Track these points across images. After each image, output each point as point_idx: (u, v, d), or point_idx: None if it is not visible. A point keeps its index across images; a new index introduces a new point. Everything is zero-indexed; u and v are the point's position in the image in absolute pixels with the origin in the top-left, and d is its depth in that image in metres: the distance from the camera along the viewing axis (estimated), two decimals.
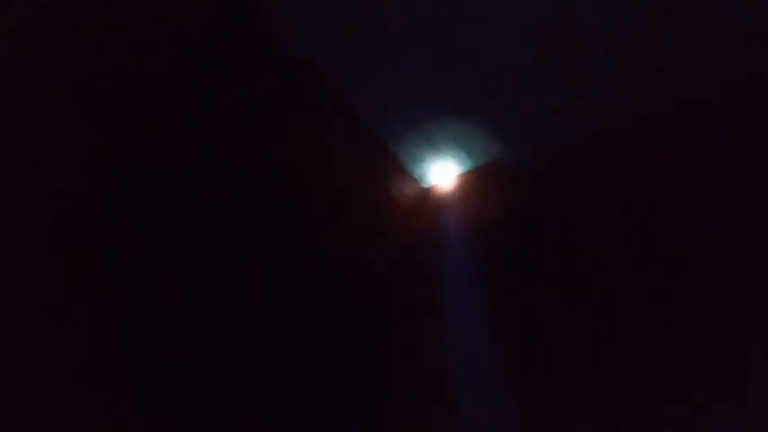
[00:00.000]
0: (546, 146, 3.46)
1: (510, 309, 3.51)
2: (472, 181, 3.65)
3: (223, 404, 3.17)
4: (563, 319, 3.40)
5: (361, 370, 3.52)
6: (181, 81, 3.35)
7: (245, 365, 3.24)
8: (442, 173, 3.75)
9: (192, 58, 3.35)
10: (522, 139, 3.48)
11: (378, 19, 3.19)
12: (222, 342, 3.24)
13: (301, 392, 3.36)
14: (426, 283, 3.66)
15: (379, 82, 3.44)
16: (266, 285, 3.42)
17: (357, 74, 3.42)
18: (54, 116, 3.26)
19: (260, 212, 3.43)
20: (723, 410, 3.11)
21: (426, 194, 3.75)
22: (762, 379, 3.08)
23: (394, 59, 3.35)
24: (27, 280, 3.19)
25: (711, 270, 3.20)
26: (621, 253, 3.33)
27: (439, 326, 3.61)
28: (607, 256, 3.36)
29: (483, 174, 3.64)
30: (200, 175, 3.34)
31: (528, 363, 3.42)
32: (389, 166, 3.61)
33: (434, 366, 3.56)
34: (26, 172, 3.25)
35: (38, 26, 3.21)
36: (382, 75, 3.41)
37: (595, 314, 3.35)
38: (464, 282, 3.65)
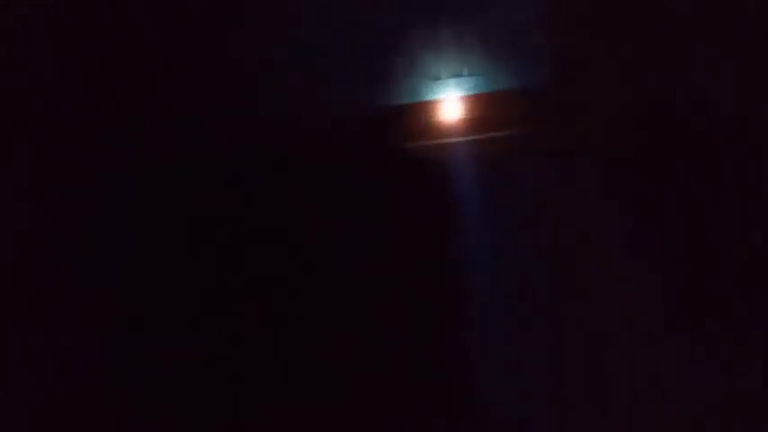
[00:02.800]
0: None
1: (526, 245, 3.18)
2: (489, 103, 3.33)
3: (223, 404, 3.17)
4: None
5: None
6: (180, 80, 3.36)
7: (246, 363, 3.22)
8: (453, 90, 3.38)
9: (190, 58, 3.36)
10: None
11: None
12: (222, 342, 3.24)
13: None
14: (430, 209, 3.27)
15: None
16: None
17: None
18: (53, 116, 3.28)
19: (264, 206, 3.35)
20: None
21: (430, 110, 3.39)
22: None
23: None
24: (25, 280, 3.20)
25: None
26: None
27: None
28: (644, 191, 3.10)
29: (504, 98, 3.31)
30: (199, 174, 3.35)
31: None
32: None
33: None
34: (26, 172, 3.26)
35: (38, 26, 3.23)
36: None
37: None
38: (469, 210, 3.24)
